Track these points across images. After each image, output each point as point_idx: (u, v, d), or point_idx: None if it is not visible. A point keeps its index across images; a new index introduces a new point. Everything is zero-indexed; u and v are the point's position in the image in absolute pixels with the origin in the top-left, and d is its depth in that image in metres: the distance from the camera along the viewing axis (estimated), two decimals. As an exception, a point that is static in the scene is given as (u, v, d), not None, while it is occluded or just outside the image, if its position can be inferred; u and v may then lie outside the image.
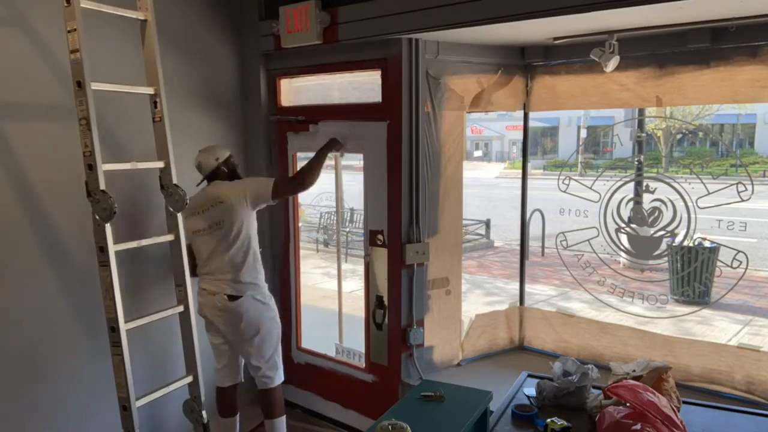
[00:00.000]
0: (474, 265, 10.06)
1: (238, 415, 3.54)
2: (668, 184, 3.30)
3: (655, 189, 3.39)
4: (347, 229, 10.42)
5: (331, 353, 4.03)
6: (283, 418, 3.47)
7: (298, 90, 4.14)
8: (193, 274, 3.29)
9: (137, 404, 2.68)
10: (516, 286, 4.22)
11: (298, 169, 3.54)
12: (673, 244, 4.02)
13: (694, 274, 5.91)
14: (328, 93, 4.05)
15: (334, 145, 3.56)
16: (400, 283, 3.49)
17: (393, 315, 3.56)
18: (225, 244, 3.22)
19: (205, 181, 3.36)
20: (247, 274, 3.24)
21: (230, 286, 3.22)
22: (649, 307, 3.76)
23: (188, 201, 2.89)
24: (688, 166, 3.57)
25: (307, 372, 4.14)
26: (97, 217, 2.55)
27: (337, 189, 4.53)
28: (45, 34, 3.00)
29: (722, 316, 7.01)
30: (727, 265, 3.17)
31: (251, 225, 3.29)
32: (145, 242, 2.86)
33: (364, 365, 3.80)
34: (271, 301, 3.37)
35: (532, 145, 26.22)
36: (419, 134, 3.41)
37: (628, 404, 2.17)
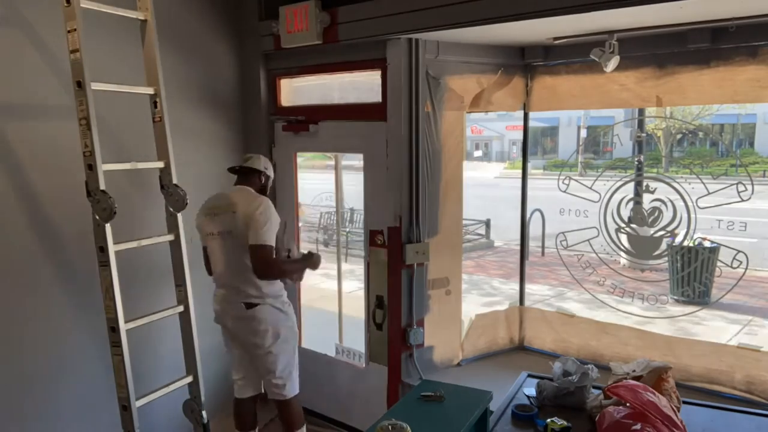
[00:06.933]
0: (472, 265, 10.06)
1: (257, 430, 3.42)
2: (668, 184, 3.30)
3: (655, 189, 3.39)
4: (347, 229, 10.41)
5: (331, 353, 4.03)
6: (303, 429, 3.33)
7: (298, 90, 4.14)
8: (211, 273, 3.26)
9: (137, 404, 2.68)
10: (513, 286, 4.22)
11: (281, 260, 3.19)
12: (673, 244, 4.02)
13: (694, 274, 5.91)
14: (328, 93, 4.05)
15: (310, 262, 3.32)
16: (400, 283, 3.48)
17: (393, 315, 3.55)
18: (236, 253, 3.04)
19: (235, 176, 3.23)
20: (264, 282, 3.07)
21: (246, 293, 3.06)
22: (648, 307, 3.75)
23: (187, 201, 2.89)
24: (688, 166, 3.57)
25: (307, 372, 4.14)
26: (97, 217, 2.55)
27: (337, 189, 4.53)
28: (45, 34, 3.00)
29: (722, 316, 7.01)
30: (727, 265, 3.17)
31: None
32: (145, 242, 2.86)
33: (364, 365, 3.80)
34: (290, 310, 3.22)
35: (532, 145, 26.17)
36: (419, 134, 3.40)
37: (628, 404, 2.17)
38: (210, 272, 3.27)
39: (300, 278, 3.41)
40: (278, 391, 3.19)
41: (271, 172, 3.32)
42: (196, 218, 3.20)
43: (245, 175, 3.22)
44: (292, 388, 3.23)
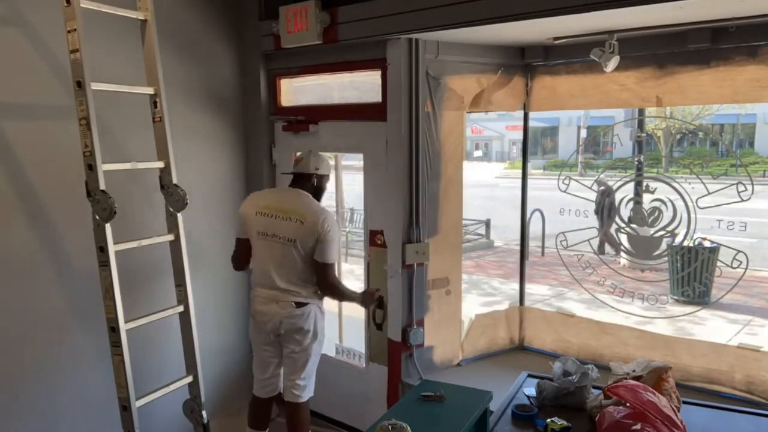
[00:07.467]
0: (472, 265, 10.05)
1: (267, 430, 3.41)
2: (668, 184, 3.30)
3: (655, 189, 3.39)
4: (347, 229, 10.41)
5: (331, 353, 4.03)
6: None
7: (298, 90, 4.14)
8: (238, 267, 3.33)
9: (137, 404, 2.68)
10: (513, 285, 4.22)
11: (340, 286, 3.25)
12: (673, 244, 4.02)
13: (694, 274, 5.92)
14: (328, 93, 4.05)
15: (364, 299, 3.38)
16: (400, 283, 3.48)
17: (393, 315, 3.55)
18: (294, 258, 3.07)
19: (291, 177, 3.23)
20: (312, 284, 3.14)
21: (297, 293, 3.10)
22: (648, 307, 3.76)
23: (187, 201, 2.88)
24: (688, 166, 3.57)
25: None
26: (97, 217, 2.55)
27: (337, 189, 4.53)
28: (45, 34, 3.00)
29: (722, 316, 7.01)
30: (727, 265, 3.17)
31: None
32: (145, 242, 2.86)
33: (364, 365, 3.80)
34: (325, 315, 3.29)
35: (532, 145, 26.19)
36: (419, 134, 3.40)
37: (628, 404, 2.17)
38: (240, 267, 3.31)
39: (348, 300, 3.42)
40: (298, 392, 3.19)
41: (325, 170, 3.24)
42: (242, 210, 3.19)
43: (300, 175, 3.21)
44: (310, 391, 3.25)
